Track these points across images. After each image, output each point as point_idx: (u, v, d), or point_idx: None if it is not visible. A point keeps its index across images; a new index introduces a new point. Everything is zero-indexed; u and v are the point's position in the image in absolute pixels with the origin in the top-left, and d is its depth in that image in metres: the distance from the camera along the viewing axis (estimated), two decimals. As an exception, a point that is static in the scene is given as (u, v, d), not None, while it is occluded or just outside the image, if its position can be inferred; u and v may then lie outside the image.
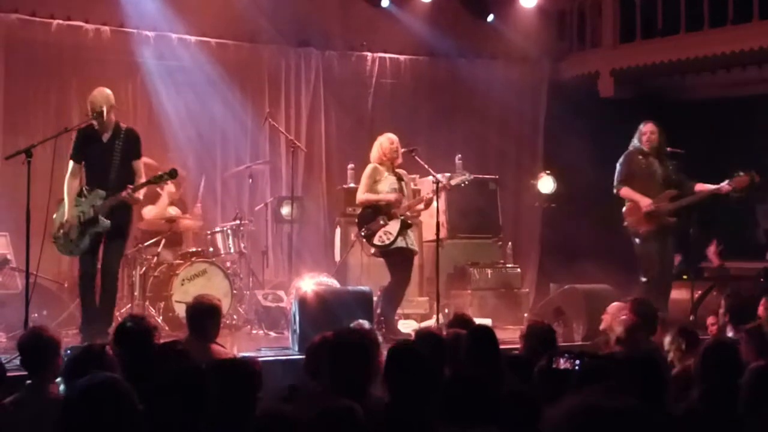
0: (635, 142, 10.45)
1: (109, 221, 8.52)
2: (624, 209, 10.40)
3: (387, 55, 13.99)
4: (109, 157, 8.61)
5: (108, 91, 8.72)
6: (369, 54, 13.90)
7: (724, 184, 10.14)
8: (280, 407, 3.93)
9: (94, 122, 8.60)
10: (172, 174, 8.76)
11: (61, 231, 8.59)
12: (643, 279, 10.22)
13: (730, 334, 7.47)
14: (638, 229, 10.27)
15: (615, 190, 10.43)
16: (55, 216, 8.68)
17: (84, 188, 8.68)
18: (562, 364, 5.11)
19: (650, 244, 10.26)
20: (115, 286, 8.93)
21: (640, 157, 10.36)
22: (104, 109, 8.54)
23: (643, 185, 10.30)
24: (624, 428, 2.84)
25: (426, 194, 10.07)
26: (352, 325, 6.70)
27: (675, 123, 12.75)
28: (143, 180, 8.68)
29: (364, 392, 4.77)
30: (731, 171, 10.24)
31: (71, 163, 8.73)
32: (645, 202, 10.19)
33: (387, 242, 9.66)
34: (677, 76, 14.14)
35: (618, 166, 10.45)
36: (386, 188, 9.75)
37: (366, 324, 6.76)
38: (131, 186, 8.52)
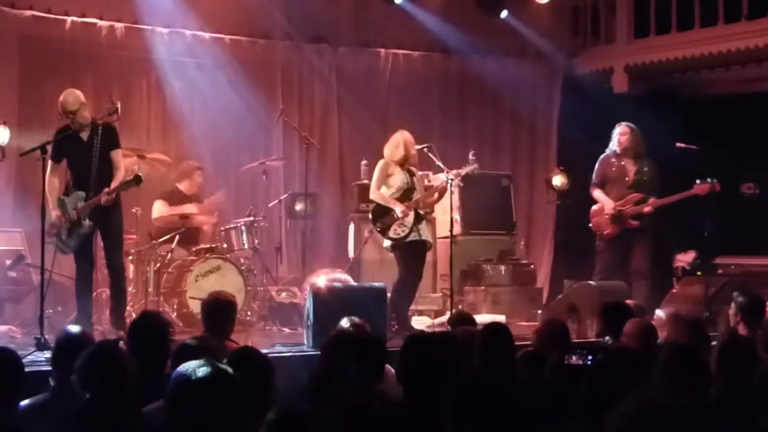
0: (611, 144, 10.93)
1: (90, 223, 8.71)
2: (591, 211, 10.95)
3: (400, 52, 14.00)
4: (89, 154, 8.76)
5: (77, 91, 8.87)
6: (382, 50, 13.90)
7: (684, 194, 10.56)
8: (297, 404, 3.93)
9: (70, 122, 8.74)
10: (137, 180, 8.78)
11: (54, 231, 8.71)
12: (594, 279, 10.64)
13: (742, 333, 7.45)
14: (602, 231, 10.83)
15: (590, 192, 11.03)
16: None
17: (68, 186, 8.85)
18: (574, 360, 5.12)
19: (612, 246, 10.82)
20: (123, 278, 9.18)
21: (614, 160, 10.88)
22: (76, 108, 8.69)
23: (614, 188, 10.81)
24: (681, 426, 2.88)
25: (439, 184, 10.04)
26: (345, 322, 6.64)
27: (689, 119, 12.78)
28: (121, 170, 8.86)
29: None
30: (742, 171, 10.35)
31: (50, 162, 8.71)
32: (609, 205, 10.72)
33: (402, 235, 9.65)
34: (691, 72, 14.09)
35: (595, 168, 11.02)
36: (399, 182, 9.73)
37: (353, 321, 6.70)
38: (108, 189, 8.64)
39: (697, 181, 10.45)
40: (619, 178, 10.84)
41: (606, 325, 7.46)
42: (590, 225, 11.00)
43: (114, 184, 8.71)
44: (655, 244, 10.94)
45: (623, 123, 10.96)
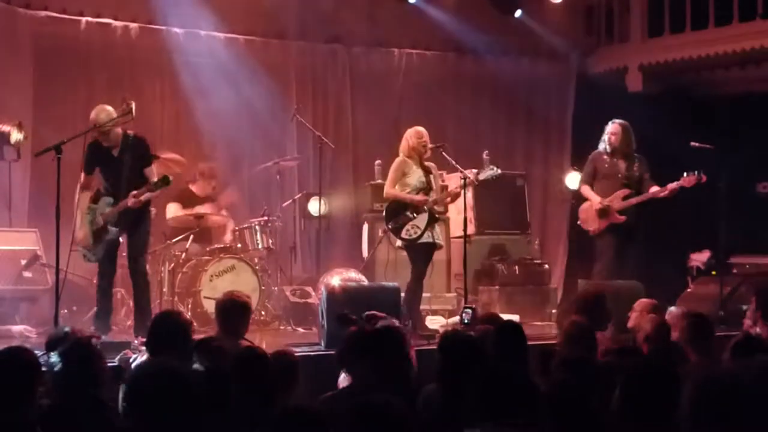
0: (602, 141, 10.78)
1: (117, 229, 8.73)
2: (580, 208, 10.89)
3: (414, 51, 13.98)
4: (120, 170, 8.74)
5: (109, 108, 8.76)
6: (396, 50, 13.89)
7: (673, 184, 10.35)
8: (310, 403, 3.94)
9: (100, 139, 8.73)
10: (165, 180, 8.73)
11: (78, 246, 8.78)
12: (597, 270, 10.63)
13: (759, 330, 7.43)
14: (589, 227, 10.72)
15: (577, 188, 11.08)
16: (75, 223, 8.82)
17: (98, 193, 8.87)
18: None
19: (601, 241, 10.67)
20: (146, 281, 9.10)
21: (605, 157, 10.71)
22: (109, 129, 8.66)
23: (605, 184, 10.66)
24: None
25: (454, 188, 10.00)
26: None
27: (703, 118, 12.75)
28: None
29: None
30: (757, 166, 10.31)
31: (83, 174, 8.82)
32: (596, 200, 10.61)
33: (414, 236, 9.62)
34: (706, 71, 14.06)
35: (586, 164, 10.94)
36: (414, 181, 9.69)
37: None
38: (134, 192, 8.62)
39: (685, 174, 10.26)
40: (612, 175, 10.67)
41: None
42: (578, 222, 10.94)
43: (142, 190, 8.68)
44: (644, 242, 10.84)
45: (615, 121, 10.72)
